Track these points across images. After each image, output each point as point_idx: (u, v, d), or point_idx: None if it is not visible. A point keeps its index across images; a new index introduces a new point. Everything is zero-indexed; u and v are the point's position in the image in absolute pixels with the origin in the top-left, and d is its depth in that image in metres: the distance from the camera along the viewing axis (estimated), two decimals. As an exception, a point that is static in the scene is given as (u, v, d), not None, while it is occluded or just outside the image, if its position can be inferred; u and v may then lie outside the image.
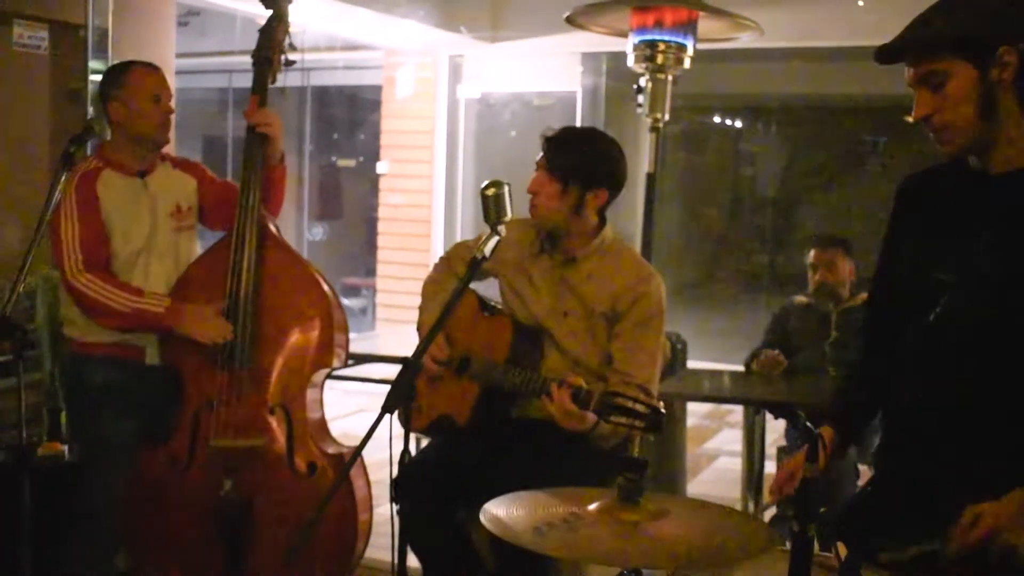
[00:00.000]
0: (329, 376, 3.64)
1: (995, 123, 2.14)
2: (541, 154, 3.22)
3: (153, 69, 3.56)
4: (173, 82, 5.69)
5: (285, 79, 3.64)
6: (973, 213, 2.21)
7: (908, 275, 2.31)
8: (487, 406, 3.22)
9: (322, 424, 3.58)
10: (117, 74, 3.54)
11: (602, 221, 3.24)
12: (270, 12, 3.60)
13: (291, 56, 3.60)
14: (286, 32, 3.59)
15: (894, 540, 2.08)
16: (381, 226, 10.16)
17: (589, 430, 2.95)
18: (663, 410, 2.72)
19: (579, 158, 3.17)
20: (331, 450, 3.47)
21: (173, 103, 3.58)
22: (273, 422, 3.42)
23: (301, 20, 3.75)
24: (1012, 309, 2.12)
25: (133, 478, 3.46)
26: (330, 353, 3.50)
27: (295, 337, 3.48)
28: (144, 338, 3.51)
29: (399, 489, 2.55)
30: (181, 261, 3.60)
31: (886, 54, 2.21)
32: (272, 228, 3.57)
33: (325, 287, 3.53)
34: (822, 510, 1.84)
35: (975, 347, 2.17)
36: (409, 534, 2.95)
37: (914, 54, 2.17)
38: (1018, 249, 2.13)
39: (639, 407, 2.70)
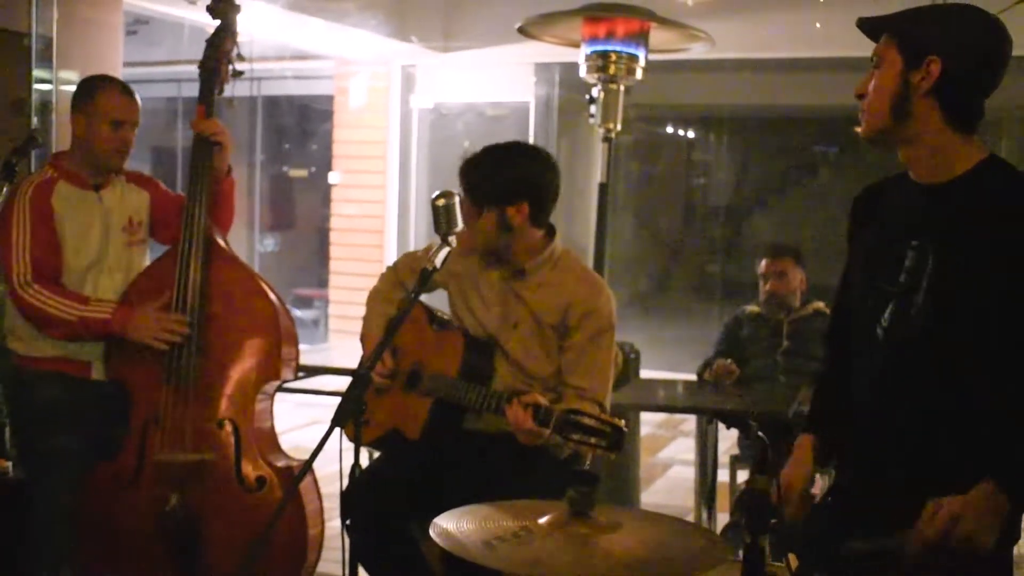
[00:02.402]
0: (280, 389, 3.60)
1: (905, 124, 2.19)
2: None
3: (123, 92, 3.48)
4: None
5: (234, 89, 3.60)
6: (909, 224, 2.25)
7: (859, 286, 2.34)
8: (439, 420, 3.19)
9: (271, 437, 3.53)
10: (89, 87, 3.49)
11: (549, 233, 3.22)
12: (218, 22, 3.55)
13: (239, 66, 3.55)
14: (234, 42, 3.54)
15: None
16: (334, 237, 10.11)
17: (545, 441, 2.93)
18: (624, 428, 2.70)
19: (484, 179, 3.12)
20: (280, 463, 3.43)
21: (135, 133, 3.48)
22: (220, 436, 3.37)
23: (250, 29, 3.71)
24: (948, 317, 2.14)
25: (82, 495, 3.40)
26: (278, 366, 3.46)
27: (242, 350, 3.44)
28: (90, 353, 3.46)
29: (347, 504, 2.53)
30: (132, 276, 3.54)
31: (865, 23, 2.28)
32: (219, 240, 3.52)
33: (273, 299, 3.49)
34: (773, 520, 1.83)
35: (921, 356, 2.18)
36: (359, 548, 2.92)
37: (876, 31, 2.25)
38: (951, 259, 2.15)
39: (600, 425, 2.67)
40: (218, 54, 3.52)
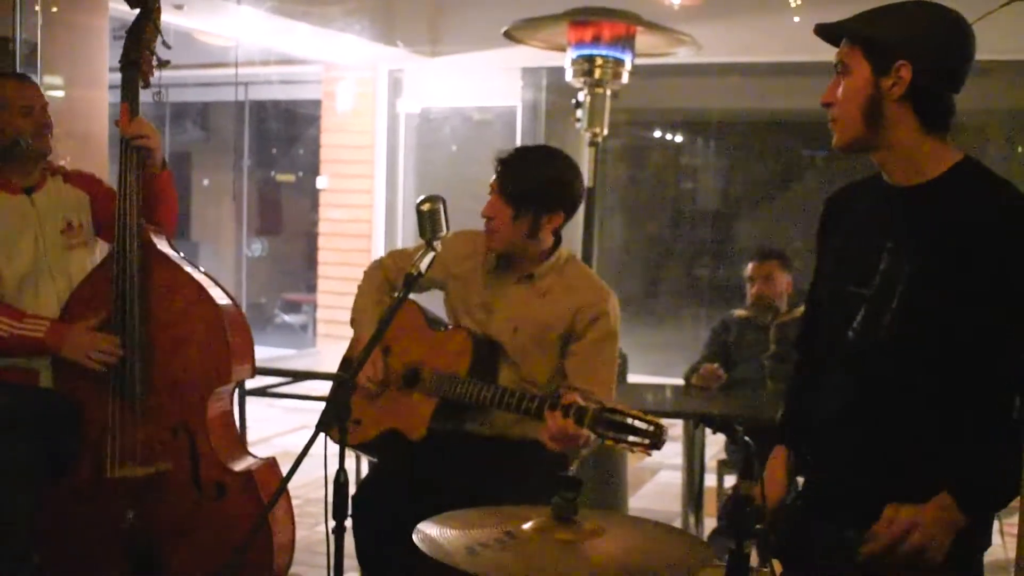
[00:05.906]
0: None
1: (880, 131, 2.16)
2: (494, 176, 3.16)
3: (22, 81, 3.46)
4: (106, 96, 5.64)
5: (165, 92, 3.48)
6: (883, 226, 2.22)
7: (829, 290, 2.33)
8: (444, 420, 3.16)
9: (232, 439, 3.46)
10: None
11: (557, 240, 3.22)
12: (137, 11, 3.40)
13: (164, 57, 3.41)
14: (156, 32, 3.41)
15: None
16: (321, 241, 10.10)
17: (580, 447, 2.83)
18: (665, 427, 2.58)
19: (532, 184, 3.11)
20: (242, 466, 3.36)
21: (48, 114, 3.43)
22: (174, 445, 3.31)
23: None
24: (922, 321, 2.13)
25: (42, 510, 3.31)
26: (228, 368, 3.36)
27: (187, 355, 3.34)
28: (37, 361, 3.38)
29: (355, 507, 2.50)
30: (75, 280, 3.44)
31: (823, 29, 2.23)
32: (156, 242, 3.39)
33: (217, 299, 3.38)
34: (758, 526, 1.83)
35: (893, 361, 2.17)
36: (365, 554, 2.91)
37: (838, 38, 2.21)
38: (926, 262, 2.13)
39: (639, 423, 2.56)
40: (139, 46, 3.37)
